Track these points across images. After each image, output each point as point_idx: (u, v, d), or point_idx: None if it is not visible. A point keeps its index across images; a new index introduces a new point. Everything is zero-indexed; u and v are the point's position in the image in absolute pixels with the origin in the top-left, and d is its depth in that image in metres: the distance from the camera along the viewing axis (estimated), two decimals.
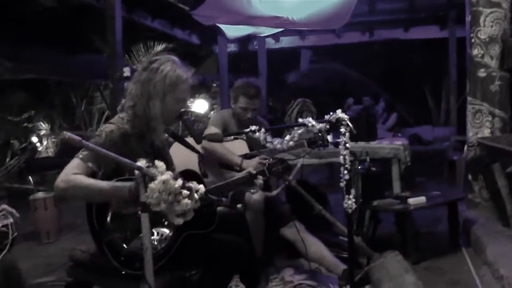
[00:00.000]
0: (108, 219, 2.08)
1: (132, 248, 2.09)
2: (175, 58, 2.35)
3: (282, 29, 7.38)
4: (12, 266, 2.16)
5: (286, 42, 9.17)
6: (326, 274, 3.42)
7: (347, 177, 2.33)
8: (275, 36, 8.51)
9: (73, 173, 2.05)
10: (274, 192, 3.24)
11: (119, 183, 2.04)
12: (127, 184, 2.00)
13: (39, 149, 10.81)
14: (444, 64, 9.83)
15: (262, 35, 7.86)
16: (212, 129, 3.44)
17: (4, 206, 2.30)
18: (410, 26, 8.87)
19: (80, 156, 2.09)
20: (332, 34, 8.87)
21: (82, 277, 2.49)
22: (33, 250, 4.91)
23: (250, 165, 3.15)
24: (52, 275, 3.98)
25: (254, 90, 3.52)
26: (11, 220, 2.18)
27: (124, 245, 2.09)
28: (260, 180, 2.54)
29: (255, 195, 3.27)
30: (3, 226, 2.14)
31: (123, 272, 2.08)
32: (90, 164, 2.08)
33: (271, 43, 9.02)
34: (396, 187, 4.54)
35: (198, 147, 2.52)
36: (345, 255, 3.41)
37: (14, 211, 2.25)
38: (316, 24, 6.63)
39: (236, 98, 3.55)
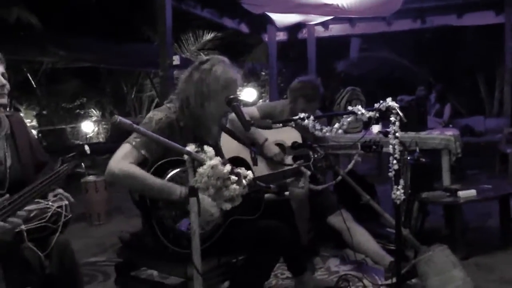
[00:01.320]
0: None
1: (180, 227, 2.13)
2: (225, 59, 2.40)
3: (331, 17, 7.29)
4: (66, 246, 2.23)
5: (336, 30, 9.01)
6: (372, 266, 3.40)
7: (396, 167, 2.29)
8: (325, 24, 8.39)
9: (128, 161, 2.11)
10: (319, 187, 3.21)
11: (172, 185, 2.09)
12: (179, 188, 2.06)
13: (90, 135, 11.14)
14: (499, 52, 9.44)
15: (311, 23, 7.79)
16: (253, 110, 3.45)
17: (60, 190, 2.37)
18: (464, 11, 8.54)
19: (133, 143, 2.14)
20: (382, 21, 8.65)
21: (131, 258, 2.56)
22: (84, 231, 5.09)
23: (271, 149, 3.14)
24: (102, 255, 4.12)
25: (313, 92, 3.43)
26: (65, 202, 2.25)
27: (173, 223, 2.13)
28: (307, 174, 2.54)
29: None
30: (58, 207, 2.21)
31: (170, 250, 2.12)
32: (143, 152, 2.14)
33: (320, 31, 8.91)
34: (446, 179, 4.43)
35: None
36: (392, 247, 3.36)
37: (69, 195, 2.33)
38: (366, 11, 6.53)
39: (295, 99, 3.47)
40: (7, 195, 2.01)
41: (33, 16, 8.56)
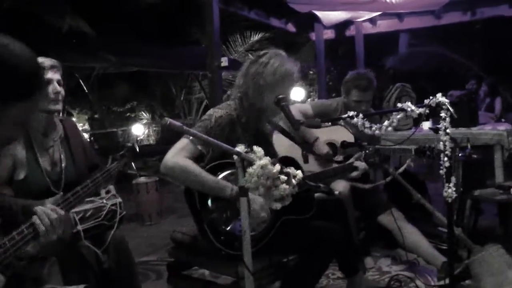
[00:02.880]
0: (209, 200, 2.17)
1: (231, 229, 2.17)
2: (282, 52, 2.42)
3: (379, 13, 7.18)
4: (122, 241, 2.32)
5: (384, 25, 8.84)
6: (425, 266, 3.34)
7: (447, 164, 2.24)
8: (372, 20, 8.28)
9: (184, 155, 2.16)
10: (367, 186, 3.18)
11: (224, 182, 2.14)
12: (230, 185, 2.10)
13: (141, 137, 11.39)
14: None
15: (359, 19, 7.70)
16: (307, 107, 3.45)
17: (111, 186, 2.46)
18: None
19: (191, 137, 2.18)
20: (431, 15, 8.45)
21: (183, 257, 2.61)
22: (136, 231, 5.22)
23: (321, 148, 3.13)
24: (154, 255, 4.22)
25: (366, 81, 3.44)
26: (119, 199, 2.33)
27: (224, 226, 2.17)
28: (359, 172, 2.52)
29: (339, 187, 3.25)
30: (112, 205, 2.28)
31: (223, 252, 2.15)
32: (199, 147, 2.19)
33: (368, 28, 8.79)
34: (499, 176, 4.28)
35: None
36: (444, 247, 3.29)
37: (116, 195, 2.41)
38: (415, 6, 6.40)
39: (348, 91, 3.49)
40: (61, 193, 2.10)
41: (85, 23, 8.85)
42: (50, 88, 2.28)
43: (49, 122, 2.37)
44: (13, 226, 1.72)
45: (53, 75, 2.30)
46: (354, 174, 2.54)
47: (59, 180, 2.34)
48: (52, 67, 2.30)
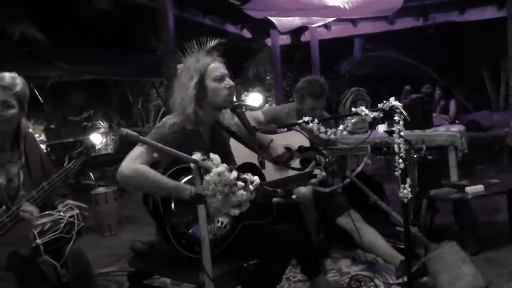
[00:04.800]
0: (172, 204, 2.16)
1: (193, 232, 2.15)
2: (200, 53, 2.47)
3: (334, 18, 7.31)
4: (80, 254, 2.28)
5: (338, 31, 9.01)
6: (383, 265, 3.41)
7: (402, 166, 2.30)
8: (327, 26, 8.42)
9: (139, 163, 2.14)
10: (327, 189, 3.22)
11: (182, 185, 2.12)
12: (188, 187, 2.08)
13: (98, 147, 11.21)
14: (503, 46, 9.40)
15: (313, 25, 7.82)
16: (258, 114, 3.47)
17: (70, 201, 2.42)
18: (466, 7, 8.53)
19: (145, 145, 2.16)
20: (384, 20, 8.67)
21: (143, 266, 2.58)
22: (96, 241, 5.13)
23: (277, 149, 3.16)
24: (115, 265, 4.15)
25: (319, 89, 3.46)
26: (76, 211, 2.30)
27: (185, 229, 2.16)
28: (317, 180, 2.56)
29: (302, 189, 3.29)
30: (70, 217, 2.25)
31: (184, 256, 2.14)
32: (155, 154, 2.17)
33: (323, 33, 8.93)
34: (454, 176, 4.43)
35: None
36: (402, 246, 3.36)
37: (79, 203, 2.38)
38: (368, 11, 6.54)
39: (302, 98, 3.50)
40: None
41: (37, 31, 8.64)
42: None
43: (4, 140, 2.35)
44: None
45: None
46: (313, 181, 2.57)
47: (16, 195, 2.30)
48: (1, 88, 2.25)
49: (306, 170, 2.58)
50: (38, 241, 2.09)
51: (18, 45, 8.40)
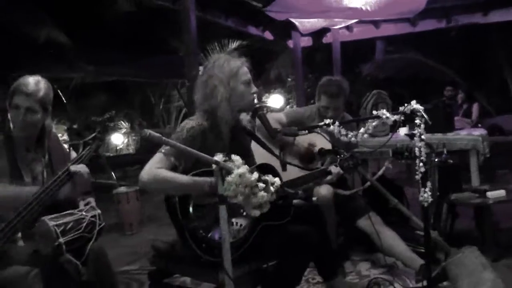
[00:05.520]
0: (191, 209, 2.18)
1: (212, 236, 2.18)
2: (225, 54, 2.50)
3: (355, 20, 7.28)
4: (101, 253, 2.33)
5: (360, 32, 8.94)
6: (403, 269, 3.39)
7: (422, 169, 2.30)
8: (349, 27, 8.38)
9: (156, 167, 2.18)
10: (347, 192, 3.22)
11: (200, 178, 2.15)
12: (208, 179, 2.11)
13: (120, 147, 11.33)
14: None
15: (335, 27, 7.79)
16: (280, 116, 3.48)
17: (90, 198, 2.48)
18: (489, 9, 8.42)
19: (163, 151, 2.21)
20: (407, 22, 8.59)
21: (164, 265, 2.61)
22: (117, 240, 5.20)
23: (300, 147, 3.15)
24: (135, 264, 4.21)
25: (335, 88, 3.45)
26: (98, 211, 2.35)
27: (205, 233, 2.18)
28: (333, 176, 2.56)
29: (323, 191, 3.29)
30: (92, 216, 2.30)
31: (203, 259, 2.17)
32: (172, 159, 2.20)
33: (345, 35, 8.88)
34: (475, 180, 4.37)
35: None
36: (422, 250, 3.34)
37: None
38: (390, 13, 6.51)
39: (319, 96, 3.53)
40: (38, 187, 2.17)
41: (62, 34, 8.81)
42: (15, 113, 2.35)
43: (29, 140, 2.44)
44: None
45: (22, 102, 2.33)
46: (328, 178, 2.58)
47: None
48: (23, 93, 2.33)
49: (321, 167, 2.59)
50: (61, 239, 2.13)
51: (43, 48, 8.57)
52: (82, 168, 2.29)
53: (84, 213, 2.29)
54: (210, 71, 2.39)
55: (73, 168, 2.25)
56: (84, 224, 2.25)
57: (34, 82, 2.37)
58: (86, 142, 2.32)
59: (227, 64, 2.38)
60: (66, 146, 2.68)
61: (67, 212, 2.25)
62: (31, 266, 2.13)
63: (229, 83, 2.34)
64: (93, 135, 2.21)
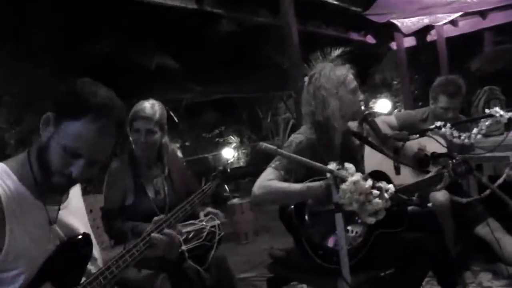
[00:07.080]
0: (306, 216, 2.25)
1: (329, 243, 2.23)
2: (328, 63, 2.52)
3: (460, 13, 6.95)
4: (223, 260, 2.49)
5: (466, 26, 8.50)
6: None
7: None
8: (454, 22, 8.00)
9: (268, 179, 2.27)
10: (464, 200, 3.08)
11: (311, 184, 2.20)
12: (318, 183, 2.16)
13: (230, 160, 11.70)
14: None
15: (439, 23, 7.49)
16: (391, 119, 3.44)
17: (209, 208, 2.64)
18: None
19: (273, 165, 2.30)
20: None
21: (282, 272, 2.70)
22: (233, 249, 5.41)
23: (412, 149, 3.08)
24: (253, 271, 4.36)
25: (454, 87, 3.35)
26: (218, 221, 2.50)
27: (321, 240, 2.23)
28: (443, 182, 2.51)
29: (440, 197, 3.19)
30: (212, 226, 2.45)
31: (319, 267, 2.21)
32: (282, 172, 2.28)
33: (449, 30, 8.49)
34: None
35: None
36: None
37: (218, 211, 2.59)
38: (496, 0, 6.15)
39: (436, 97, 3.42)
40: (162, 215, 2.30)
41: (169, 58, 9.40)
42: (137, 136, 2.60)
43: (150, 159, 2.69)
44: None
45: (142, 125, 2.58)
46: (442, 185, 2.51)
47: (164, 205, 2.61)
48: (142, 118, 2.58)
49: (433, 173, 2.53)
50: (184, 247, 2.30)
51: (154, 74, 9.21)
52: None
53: (204, 223, 2.46)
54: (317, 82, 2.42)
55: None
56: (205, 234, 2.42)
57: (150, 106, 2.61)
58: (207, 179, 2.48)
59: (333, 74, 2.41)
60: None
61: (189, 222, 2.42)
62: (159, 270, 2.33)
63: (337, 92, 2.38)
64: (215, 173, 2.34)
